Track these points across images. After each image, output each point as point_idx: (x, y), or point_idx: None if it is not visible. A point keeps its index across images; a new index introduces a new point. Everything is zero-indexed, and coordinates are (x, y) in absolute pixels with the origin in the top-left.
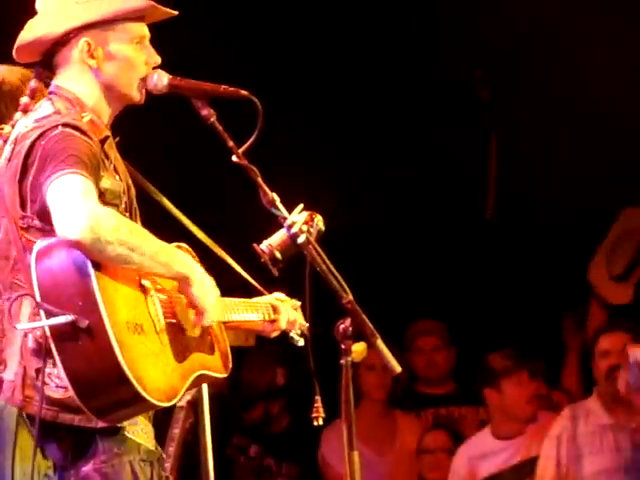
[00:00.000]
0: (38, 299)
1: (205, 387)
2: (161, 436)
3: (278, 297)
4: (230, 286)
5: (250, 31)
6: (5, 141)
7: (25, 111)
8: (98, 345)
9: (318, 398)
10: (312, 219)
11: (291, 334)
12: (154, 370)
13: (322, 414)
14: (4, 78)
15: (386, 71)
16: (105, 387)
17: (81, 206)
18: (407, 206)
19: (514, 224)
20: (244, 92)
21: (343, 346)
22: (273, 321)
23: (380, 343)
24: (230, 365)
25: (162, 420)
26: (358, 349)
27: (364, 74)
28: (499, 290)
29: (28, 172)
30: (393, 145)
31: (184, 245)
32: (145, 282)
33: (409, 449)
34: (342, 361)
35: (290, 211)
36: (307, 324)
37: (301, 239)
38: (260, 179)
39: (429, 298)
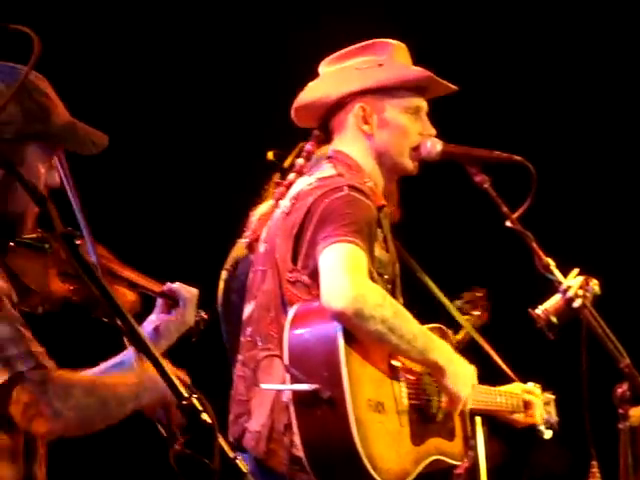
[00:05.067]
0: (286, 362)
1: (482, 452)
2: None
3: (531, 389)
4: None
5: (524, 98)
6: (287, 187)
7: (300, 173)
8: (336, 418)
9: (595, 463)
10: (588, 283)
11: (540, 427)
12: (388, 450)
13: (599, 479)
14: None
15: None
16: (336, 460)
17: (350, 277)
18: None
19: None
20: (518, 157)
21: (621, 410)
22: (524, 413)
23: None
24: (468, 453)
25: None
26: (637, 413)
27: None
28: None
29: (307, 228)
30: None
31: (443, 327)
32: (395, 362)
33: None
34: (620, 425)
35: (565, 276)
36: (557, 419)
37: (577, 303)
38: (535, 244)
39: None
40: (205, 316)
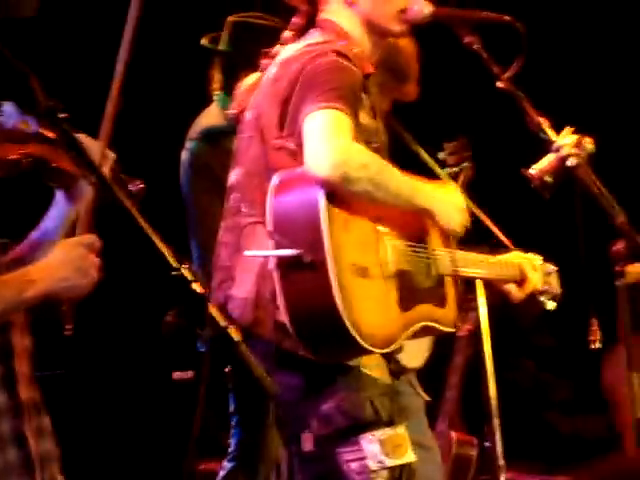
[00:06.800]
0: (270, 228)
1: (484, 314)
2: (443, 366)
3: (531, 258)
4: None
5: None
6: (272, 58)
7: (285, 44)
8: (318, 283)
9: (595, 321)
10: (581, 141)
11: (541, 298)
12: (372, 315)
13: (599, 337)
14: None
15: None
16: (320, 325)
17: (334, 143)
18: None
19: None
20: (507, 17)
21: (618, 268)
22: (521, 283)
23: None
24: (470, 315)
25: (442, 350)
26: (634, 270)
27: None
28: None
29: (293, 94)
30: None
31: None
32: (381, 228)
33: None
34: (617, 283)
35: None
36: (560, 291)
37: (570, 162)
38: (527, 104)
39: None
40: (141, 185)
